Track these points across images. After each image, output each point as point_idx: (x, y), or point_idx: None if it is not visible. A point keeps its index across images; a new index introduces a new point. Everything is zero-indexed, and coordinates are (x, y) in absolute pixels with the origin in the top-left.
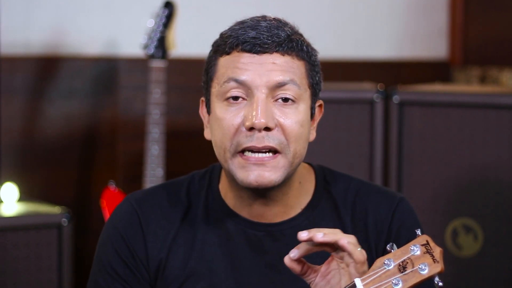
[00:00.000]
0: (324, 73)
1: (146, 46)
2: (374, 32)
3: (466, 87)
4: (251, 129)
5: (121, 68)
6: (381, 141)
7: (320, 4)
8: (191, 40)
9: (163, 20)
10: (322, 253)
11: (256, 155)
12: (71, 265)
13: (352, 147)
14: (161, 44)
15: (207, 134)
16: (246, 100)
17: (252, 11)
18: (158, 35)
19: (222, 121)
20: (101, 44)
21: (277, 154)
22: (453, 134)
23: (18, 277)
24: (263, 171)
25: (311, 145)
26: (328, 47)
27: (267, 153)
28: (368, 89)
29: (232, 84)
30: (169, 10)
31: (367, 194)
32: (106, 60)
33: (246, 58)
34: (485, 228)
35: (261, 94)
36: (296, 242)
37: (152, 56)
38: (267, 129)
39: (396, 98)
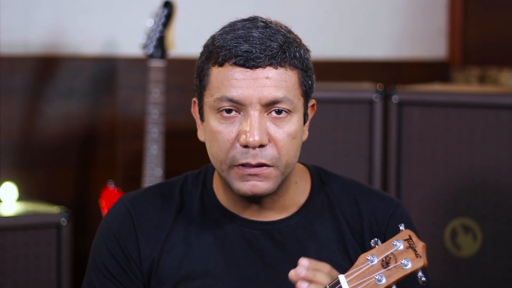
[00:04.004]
0: (323, 73)
1: (145, 46)
2: (373, 32)
3: (465, 87)
4: (245, 146)
5: (120, 68)
6: (380, 141)
7: (319, 4)
8: (190, 40)
9: (162, 20)
10: None
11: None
12: (70, 265)
13: (351, 147)
14: (160, 44)
15: (200, 135)
16: (239, 114)
17: (251, 11)
18: (157, 34)
19: (217, 135)
20: (100, 44)
21: (269, 167)
22: (452, 134)
23: (17, 276)
24: (257, 181)
25: (310, 145)
26: (327, 47)
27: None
28: (367, 89)
29: (225, 102)
30: (168, 10)
31: (363, 196)
32: (105, 60)
33: (239, 74)
34: (484, 228)
35: (254, 112)
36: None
37: (151, 56)
38: (261, 146)
39: (395, 98)
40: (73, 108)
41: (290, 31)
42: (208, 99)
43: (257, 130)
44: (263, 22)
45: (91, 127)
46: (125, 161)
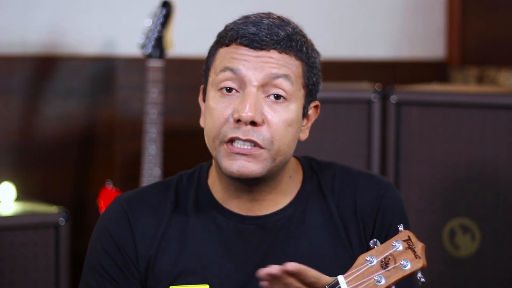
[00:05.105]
0: (322, 73)
1: (143, 46)
2: (372, 32)
3: (463, 87)
4: (238, 121)
5: (118, 68)
6: (378, 141)
7: (319, 4)
8: (188, 40)
9: (161, 20)
10: None
11: (241, 145)
12: (68, 265)
13: (350, 147)
14: (159, 44)
15: (202, 121)
16: (238, 92)
17: (250, 11)
18: (155, 34)
19: (213, 111)
20: (98, 44)
21: (261, 149)
22: (450, 134)
23: (15, 276)
24: (246, 162)
25: (309, 145)
26: (326, 47)
27: (251, 146)
28: (366, 89)
29: (227, 73)
30: (167, 9)
31: (354, 179)
32: (103, 59)
33: (243, 51)
34: (482, 228)
35: (252, 88)
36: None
37: (149, 56)
38: (254, 123)
39: (393, 98)
40: (71, 108)
41: (302, 30)
42: (211, 77)
43: (251, 105)
44: (277, 15)
45: (89, 127)
46: (123, 161)
